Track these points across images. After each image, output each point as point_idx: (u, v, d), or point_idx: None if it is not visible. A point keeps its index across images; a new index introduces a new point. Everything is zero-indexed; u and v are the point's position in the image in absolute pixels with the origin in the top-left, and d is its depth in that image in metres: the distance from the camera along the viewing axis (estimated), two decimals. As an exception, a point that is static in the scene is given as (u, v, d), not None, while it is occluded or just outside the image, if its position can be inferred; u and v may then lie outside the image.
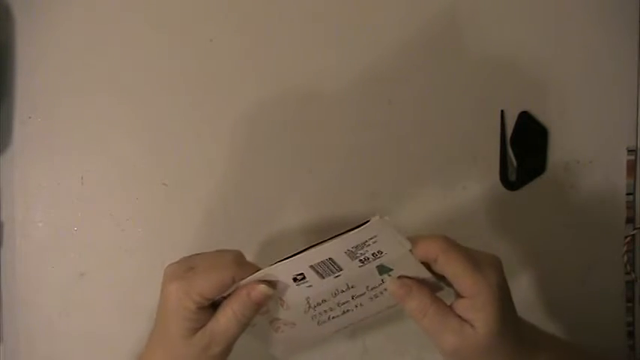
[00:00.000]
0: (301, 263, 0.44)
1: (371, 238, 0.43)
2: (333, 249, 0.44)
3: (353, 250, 0.44)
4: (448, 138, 0.61)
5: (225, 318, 0.45)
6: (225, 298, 0.46)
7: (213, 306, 0.45)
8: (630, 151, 0.61)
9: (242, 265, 0.46)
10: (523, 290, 0.61)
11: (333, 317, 0.48)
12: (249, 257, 0.60)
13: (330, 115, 0.60)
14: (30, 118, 0.60)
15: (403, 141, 0.61)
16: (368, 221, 0.42)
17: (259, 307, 0.45)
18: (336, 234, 0.43)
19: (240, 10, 0.60)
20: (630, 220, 0.61)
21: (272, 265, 0.44)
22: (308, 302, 0.47)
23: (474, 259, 0.44)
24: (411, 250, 0.44)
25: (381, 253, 0.44)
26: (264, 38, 0.60)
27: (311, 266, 0.45)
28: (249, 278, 0.45)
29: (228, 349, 0.46)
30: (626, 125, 0.61)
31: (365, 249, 0.44)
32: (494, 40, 0.61)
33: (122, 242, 0.60)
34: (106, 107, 0.60)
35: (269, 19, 0.60)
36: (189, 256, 0.48)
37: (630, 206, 0.61)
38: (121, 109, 0.60)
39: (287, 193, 0.60)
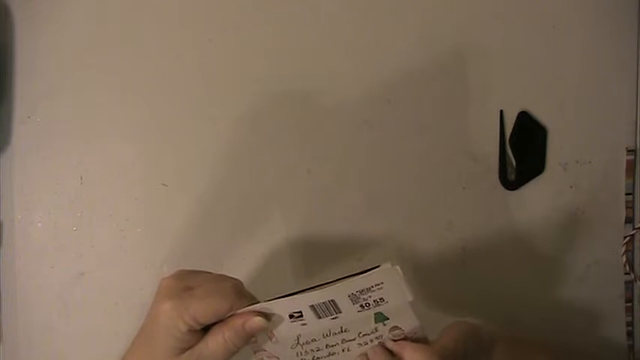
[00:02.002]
0: (302, 302, 0.44)
1: (377, 285, 0.43)
2: (338, 291, 0.44)
3: (357, 294, 0.44)
4: (448, 138, 0.61)
5: (215, 343, 0.44)
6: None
7: (204, 329, 0.45)
8: (630, 151, 0.61)
9: (241, 295, 0.45)
10: (523, 290, 0.61)
11: (318, 358, 0.48)
12: (248, 257, 0.60)
13: (330, 115, 0.60)
14: (30, 118, 0.60)
15: (403, 141, 0.61)
16: (378, 266, 0.42)
17: (250, 337, 0.45)
18: (344, 276, 0.43)
19: (239, 11, 0.60)
20: (630, 220, 0.61)
21: (271, 300, 0.44)
22: (298, 339, 0.47)
23: None
24: (410, 302, 0.44)
25: (383, 300, 0.44)
26: (264, 38, 0.60)
27: (311, 306, 0.45)
28: (245, 309, 0.44)
29: None
30: (626, 125, 0.61)
31: (369, 294, 0.44)
32: (494, 40, 0.61)
33: (122, 242, 0.60)
34: (105, 107, 0.60)
35: (268, 19, 0.60)
36: (188, 273, 0.47)
37: (630, 206, 0.61)
38: (121, 110, 0.60)
39: (286, 193, 0.60)
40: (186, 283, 0.45)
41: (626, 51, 0.61)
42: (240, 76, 0.60)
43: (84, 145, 0.60)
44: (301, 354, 0.47)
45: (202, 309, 0.43)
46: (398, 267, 0.43)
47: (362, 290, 0.44)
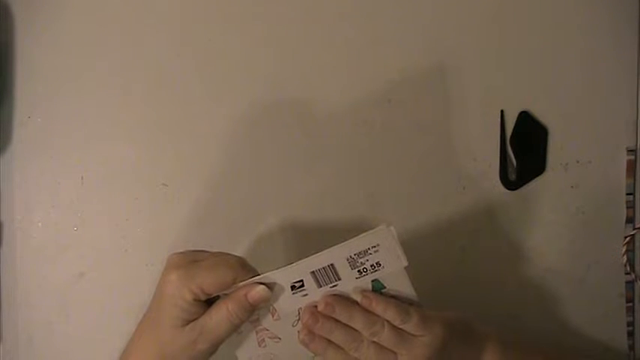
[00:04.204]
0: (303, 269, 0.46)
1: (373, 247, 0.45)
2: (337, 254, 0.45)
3: (355, 257, 0.45)
4: (448, 138, 0.61)
5: (219, 315, 0.45)
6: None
7: (208, 303, 0.46)
8: (630, 151, 0.61)
9: (245, 267, 0.46)
10: (523, 290, 0.61)
11: None
12: (248, 257, 0.60)
13: (330, 115, 0.60)
14: (30, 118, 0.60)
15: (403, 141, 0.61)
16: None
17: (253, 308, 0.46)
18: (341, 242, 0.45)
19: (239, 11, 0.60)
20: (630, 220, 0.61)
21: (274, 270, 0.45)
22: (299, 314, 0.47)
23: None
24: (406, 268, 0.46)
25: (380, 265, 0.45)
26: (263, 38, 0.60)
27: (312, 272, 0.46)
28: (248, 281, 0.45)
29: (214, 347, 0.46)
30: (626, 125, 0.61)
31: (366, 258, 0.45)
32: (495, 40, 0.61)
33: (122, 242, 0.60)
34: (105, 107, 0.60)
35: (268, 19, 0.60)
36: (195, 250, 0.48)
37: (630, 206, 0.61)
38: (121, 110, 0.60)
39: (286, 193, 0.60)
40: (192, 257, 0.46)
41: (626, 51, 0.61)
42: (240, 76, 0.60)
43: (84, 145, 0.60)
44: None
45: (208, 278, 0.44)
46: (392, 228, 0.45)
47: (359, 253, 0.45)
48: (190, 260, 0.45)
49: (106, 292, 0.60)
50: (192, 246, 0.59)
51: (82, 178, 0.60)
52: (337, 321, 0.47)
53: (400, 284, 0.47)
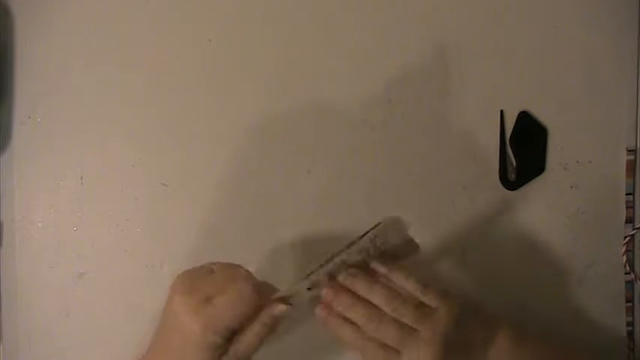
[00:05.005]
0: (318, 275, 0.48)
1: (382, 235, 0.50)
2: (349, 256, 0.49)
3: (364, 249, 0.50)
4: (448, 138, 0.61)
5: (248, 340, 0.46)
6: None
7: None
8: (630, 151, 0.61)
9: (261, 292, 0.46)
10: (523, 290, 0.61)
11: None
12: (248, 257, 0.60)
13: (330, 115, 0.60)
14: (29, 118, 0.60)
15: (403, 141, 0.61)
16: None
17: (279, 322, 0.47)
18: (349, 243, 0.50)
19: (239, 11, 0.60)
20: (630, 220, 0.61)
21: (291, 286, 0.48)
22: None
23: None
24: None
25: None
26: (263, 38, 0.60)
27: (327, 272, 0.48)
28: (271, 300, 0.47)
29: None
30: (626, 125, 0.61)
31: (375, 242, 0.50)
32: (495, 40, 0.61)
33: (121, 242, 0.60)
34: (105, 107, 0.60)
35: (268, 19, 0.60)
36: (193, 278, 0.47)
37: (630, 206, 0.61)
38: (121, 110, 0.60)
39: (286, 193, 0.60)
40: (200, 293, 0.45)
41: (626, 51, 0.61)
42: (240, 76, 0.60)
43: (84, 145, 0.60)
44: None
45: (232, 319, 0.45)
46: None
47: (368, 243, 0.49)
48: (201, 299, 0.45)
49: (106, 292, 0.60)
50: (191, 247, 0.60)
51: (82, 178, 0.60)
52: (358, 297, 0.47)
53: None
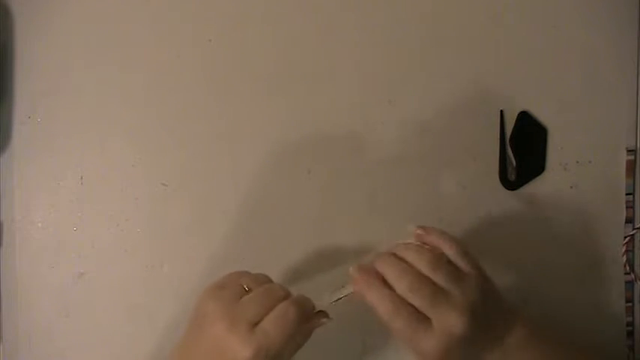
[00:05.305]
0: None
1: None
2: None
3: None
4: (448, 138, 0.61)
5: (290, 347, 0.46)
6: None
7: None
8: (630, 151, 0.61)
9: (304, 309, 0.46)
10: (522, 290, 0.61)
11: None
12: (248, 257, 0.60)
13: (330, 115, 0.60)
14: (29, 118, 0.60)
15: (403, 141, 0.61)
16: None
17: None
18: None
19: (239, 11, 0.60)
20: (630, 220, 0.61)
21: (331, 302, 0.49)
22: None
23: None
24: None
25: None
26: (263, 38, 0.60)
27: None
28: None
29: None
30: (626, 125, 0.61)
31: None
32: (495, 40, 0.61)
33: (121, 242, 0.60)
34: (105, 107, 0.60)
35: (268, 19, 0.60)
36: (233, 301, 0.46)
37: (630, 206, 0.61)
38: (121, 109, 0.60)
39: (286, 193, 0.60)
40: (245, 318, 0.45)
41: (626, 51, 0.61)
42: (240, 76, 0.60)
43: (84, 145, 0.60)
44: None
45: (282, 342, 0.45)
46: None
47: None
48: (248, 325, 0.44)
49: (106, 292, 0.60)
50: (191, 247, 0.60)
51: (82, 178, 0.60)
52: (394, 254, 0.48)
53: None
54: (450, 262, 0.47)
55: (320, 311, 0.48)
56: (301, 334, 0.47)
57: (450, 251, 0.48)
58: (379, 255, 0.48)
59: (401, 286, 0.46)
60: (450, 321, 0.44)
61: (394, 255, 0.48)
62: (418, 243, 0.49)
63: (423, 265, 0.46)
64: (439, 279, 0.46)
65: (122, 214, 0.60)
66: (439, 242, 0.49)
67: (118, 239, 0.60)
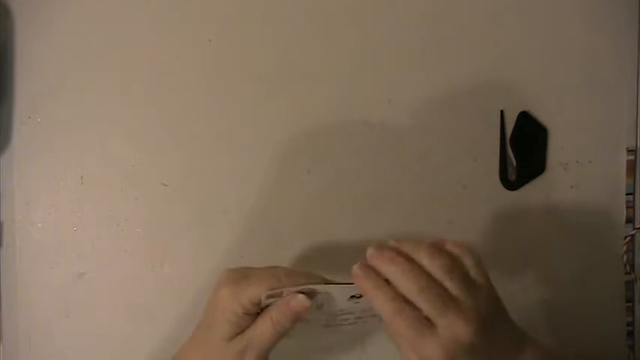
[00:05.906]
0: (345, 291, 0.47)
1: None
2: None
3: None
4: (448, 138, 0.61)
5: (263, 325, 0.46)
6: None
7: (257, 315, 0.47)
8: (630, 151, 0.61)
9: (290, 276, 0.47)
10: (523, 290, 0.61)
11: (340, 324, 0.50)
12: (248, 256, 0.60)
13: (330, 115, 0.60)
14: (29, 118, 0.60)
15: (403, 141, 0.61)
16: None
17: (297, 317, 0.46)
18: None
19: (239, 11, 0.60)
20: (630, 220, 0.61)
21: (331, 284, 0.46)
22: (335, 315, 0.49)
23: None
24: None
25: None
26: (263, 38, 0.60)
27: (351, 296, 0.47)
28: (295, 288, 0.46)
29: (262, 357, 0.47)
30: (626, 125, 0.61)
31: None
32: (495, 40, 0.61)
33: (121, 242, 0.60)
34: (105, 107, 0.60)
35: (268, 19, 0.60)
36: (245, 267, 0.49)
37: (630, 206, 0.61)
38: (121, 110, 0.60)
39: (286, 193, 0.60)
40: (242, 272, 0.47)
41: (626, 51, 0.61)
42: (240, 76, 0.60)
43: (84, 144, 0.60)
44: (330, 319, 0.49)
45: (257, 290, 0.45)
46: None
47: None
48: (240, 276, 0.47)
49: (106, 292, 0.60)
50: (191, 247, 0.60)
51: (82, 178, 0.60)
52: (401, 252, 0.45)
53: None
54: (463, 269, 0.45)
55: (309, 292, 0.46)
56: (278, 309, 0.46)
57: (466, 259, 0.45)
58: (383, 249, 0.45)
59: (411, 287, 0.43)
60: (457, 329, 0.42)
61: (401, 252, 0.44)
62: (430, 241, 0.46)
63: (436, 269, 0.43)
64: (451, 285, 0.43)
65: (122, 214, 0.60)
66: (455, 249, 0.45)
67: (118, 239, 0.60)
